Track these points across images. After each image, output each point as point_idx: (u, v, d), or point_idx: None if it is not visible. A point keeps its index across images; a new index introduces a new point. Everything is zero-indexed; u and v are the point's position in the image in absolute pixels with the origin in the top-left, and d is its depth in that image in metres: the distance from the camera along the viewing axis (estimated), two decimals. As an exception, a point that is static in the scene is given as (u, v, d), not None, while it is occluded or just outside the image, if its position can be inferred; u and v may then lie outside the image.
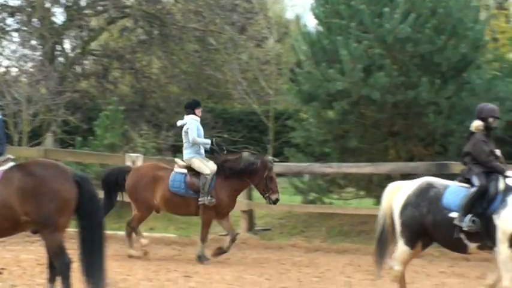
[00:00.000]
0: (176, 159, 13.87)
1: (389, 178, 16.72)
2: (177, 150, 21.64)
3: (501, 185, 9.24)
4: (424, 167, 14.15)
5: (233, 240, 13.65)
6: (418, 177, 9.90)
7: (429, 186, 9.49)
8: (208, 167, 13.48)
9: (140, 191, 13.63)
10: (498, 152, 9.68)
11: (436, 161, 15.43)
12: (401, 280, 9.72)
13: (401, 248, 9.54)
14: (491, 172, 9.37)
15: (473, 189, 9.28)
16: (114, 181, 13.77)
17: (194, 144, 13.57)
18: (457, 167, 14.99)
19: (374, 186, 16.13)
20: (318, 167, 16.10)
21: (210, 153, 13.77)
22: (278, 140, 21.31)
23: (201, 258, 13.43)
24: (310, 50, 16.72)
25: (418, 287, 11.44)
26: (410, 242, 9.48)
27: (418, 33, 15.59)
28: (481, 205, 9.19)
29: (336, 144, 16.82)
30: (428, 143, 16.56)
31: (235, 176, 13.50)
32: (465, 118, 15.86)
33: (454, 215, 9.27)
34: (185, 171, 13.57)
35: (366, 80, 15.64)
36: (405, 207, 9.47)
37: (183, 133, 13.74)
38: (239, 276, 12.16)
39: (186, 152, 13.68)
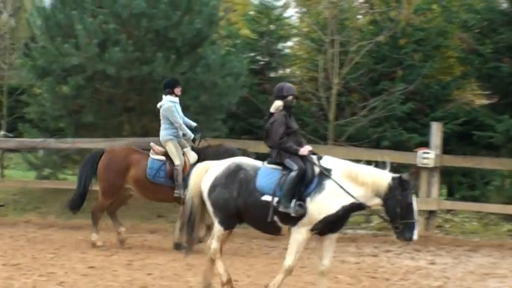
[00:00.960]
0: (152, 144, 13.36)
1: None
2: None
3: (317, 168, 9.23)
4: (158, 142, 14.30)
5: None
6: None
7: (238, 168, 9.40)
8: (180, 157, 13.01)
9: (110, 174, 13.10)
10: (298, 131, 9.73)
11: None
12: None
13: (217, 227, 9.46)
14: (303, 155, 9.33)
15: (294, 173, 9.18)
16: (91, 166, 13.37)
17: (178, 127, 13.19)
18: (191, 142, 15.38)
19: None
20: (53, 143, 15.97)
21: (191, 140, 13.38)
22: (12, 116, 20.80)
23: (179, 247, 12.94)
24: (45, 25, 16.35)
25: (154, 262, 11.61)
26: (224, 223, 9.39)
27: (153, 8, 15.66)
28: (299, 188, 9.15)
29: (70, 120, 16.61)
30: (163, 118, 16.72)
31: None
32: (200, 93, 16.21)
33: (267, 198, 9.20)
34: (163, 158, 13.12)
35: (101, 55, 15.53)
36: (213, 188, 9.37)
37: (161, 114, 13.32)
38: (-28, 254, 11.86)
39: (163, 134, 13.27)
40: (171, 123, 13.16)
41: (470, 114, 18.09)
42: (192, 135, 13.21)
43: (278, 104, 9.56)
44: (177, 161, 12.97)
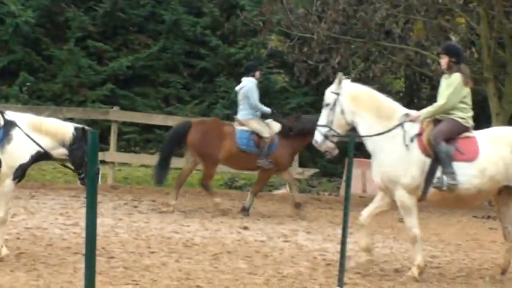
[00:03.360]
0: (236, 117, 13.91)
1: None
2: None
3: (1, 120, 9.18)
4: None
5: (293, 189, 14.18)
6: None
7: None
8: (266, 129, 13.70)
9: (207, 146, 13.42)
10: None
11: None
12: None
13: None
14: None
15: None
16: (178, 139, 13.83)
17: (255, 109, 13.75)
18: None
19: None
20: None
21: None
22: None
23: (245, 211, 13.77)
24: None
25: None
26: None
27: None
28: None
29: None
30: None
31: (297, 135, 13.69)
32: None
33: None
34: (249, 129, 13.70)
35: None
36: None
37: (240, 95, 13.88)
38: None
39: (243, 114, 13.89)
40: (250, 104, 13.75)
41: None
42: (269, 110, 13.91)
43: None
44: (266, 134, 13.74)
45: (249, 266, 9.75)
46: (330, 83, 16.26)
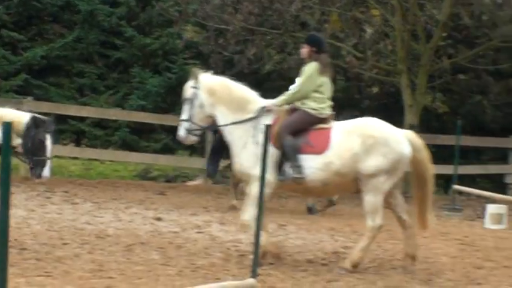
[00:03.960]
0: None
1: None
2: None
3: None
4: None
5: None
6: None
7: None
8: None
9: None
10: None
11: None
12: None
13: None
14: None
15: None
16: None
17: None
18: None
19: None
20: None
21: None
22: None
23: (312, 211, 14.25)
24: None
25: None
26: None
27: None
28: None
29: None
30: None
31: None
32: None
33: None
34: None
35: None
36: None
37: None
38: None
39: None
40: None
41: None
42: None
43: None
44: None
45: (162, 257, 9.74)
46: (245, 75, 16.55)
